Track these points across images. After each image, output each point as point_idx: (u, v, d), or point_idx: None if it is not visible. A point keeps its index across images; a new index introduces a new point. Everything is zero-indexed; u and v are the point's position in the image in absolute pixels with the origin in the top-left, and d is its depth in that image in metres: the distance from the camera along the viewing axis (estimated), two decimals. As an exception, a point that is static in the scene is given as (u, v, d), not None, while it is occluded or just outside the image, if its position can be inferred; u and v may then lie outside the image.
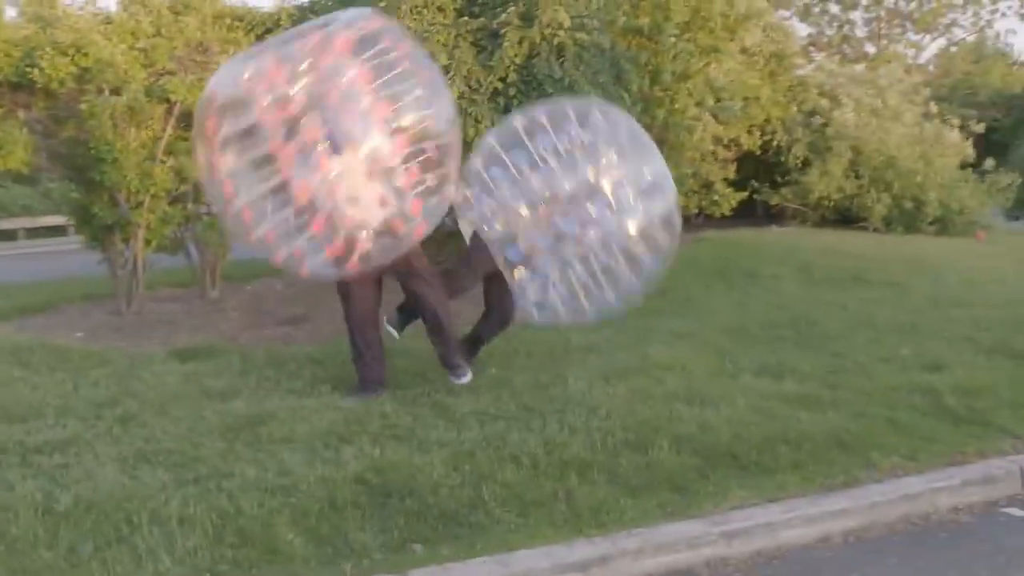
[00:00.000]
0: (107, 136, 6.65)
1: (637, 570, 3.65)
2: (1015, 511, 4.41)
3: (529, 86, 7.52)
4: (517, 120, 5.25)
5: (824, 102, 12.80)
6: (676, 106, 10.04)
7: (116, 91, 6.65)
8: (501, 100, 7.54)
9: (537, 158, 5.04)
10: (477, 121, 7.35)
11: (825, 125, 12.85)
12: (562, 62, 7.44)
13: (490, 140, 5.27)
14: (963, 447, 4.80)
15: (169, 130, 7.36)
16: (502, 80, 7.48)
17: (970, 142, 13.87)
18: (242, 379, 5.60)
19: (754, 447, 4.54)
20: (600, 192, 5.06)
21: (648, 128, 8.80)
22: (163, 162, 7.28)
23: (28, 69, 6.27)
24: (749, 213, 13.74)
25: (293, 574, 3.36)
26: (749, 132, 12.72)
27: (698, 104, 10.44)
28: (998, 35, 30.29)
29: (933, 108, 13.87)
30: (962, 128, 14.07)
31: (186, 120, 7.59)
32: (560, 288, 5.10)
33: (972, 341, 6.66)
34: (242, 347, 6.45)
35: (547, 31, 7.46)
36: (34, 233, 20.31)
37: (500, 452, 4.38)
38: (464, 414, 4.85)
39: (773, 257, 10.07)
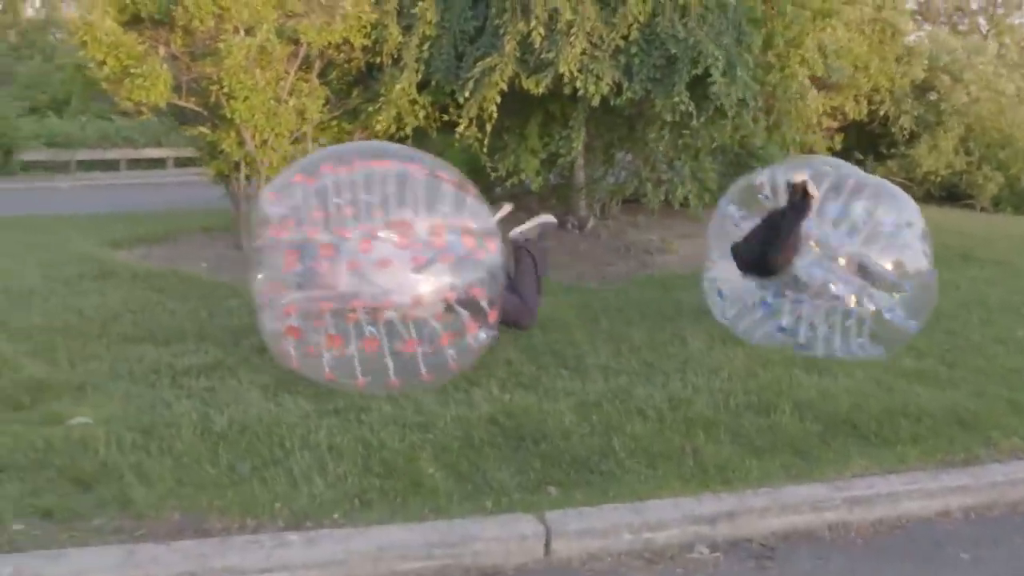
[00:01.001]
0: (239, 75, 6.87)
1: (763, 528, 3.75)
2: None
3: (651, 45, 7.50)
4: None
5: (944, 77, 12.45)
6: (787, 71, 9.88)
7: (249, 31, 6.85)
8: (622, 58, 7.54)
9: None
10: (598, 78, 7.37)
11: (940, 99, 12.52)
12: (685, 22, 7.40)
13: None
14: (1086, 434, 4.77)
15: (293, 72, 7.56)
16: (624, 38, 7.47)
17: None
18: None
19: (874, 418, 4.58)
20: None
21: (762, 95, 8.78)
22: (287, 102, 7.49)
23: (172, 7, 6.50)
24: (850, 184, 13.50)
25: (436, 506, 3.53)
26: (856, 101, 12.45)
27: (810, 70, 10.26)
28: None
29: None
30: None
31: (308, 63, 7.81)
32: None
33: (1091, 330, 6.54)
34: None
35: (672, -11, 7.42)
36: (135, 164, 21.00)
37: (626, 405, 4.51)
38: (587, 366, 4.98)
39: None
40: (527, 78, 7.64)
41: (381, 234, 4.42)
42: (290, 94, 7.61)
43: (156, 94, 6.55)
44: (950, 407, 4.80)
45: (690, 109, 7.45)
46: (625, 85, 7.54)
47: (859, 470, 4.15)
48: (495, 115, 7.88)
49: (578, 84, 7.42)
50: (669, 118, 7.63)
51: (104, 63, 6.61)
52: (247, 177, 7.68)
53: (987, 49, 13.09)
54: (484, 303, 4.44)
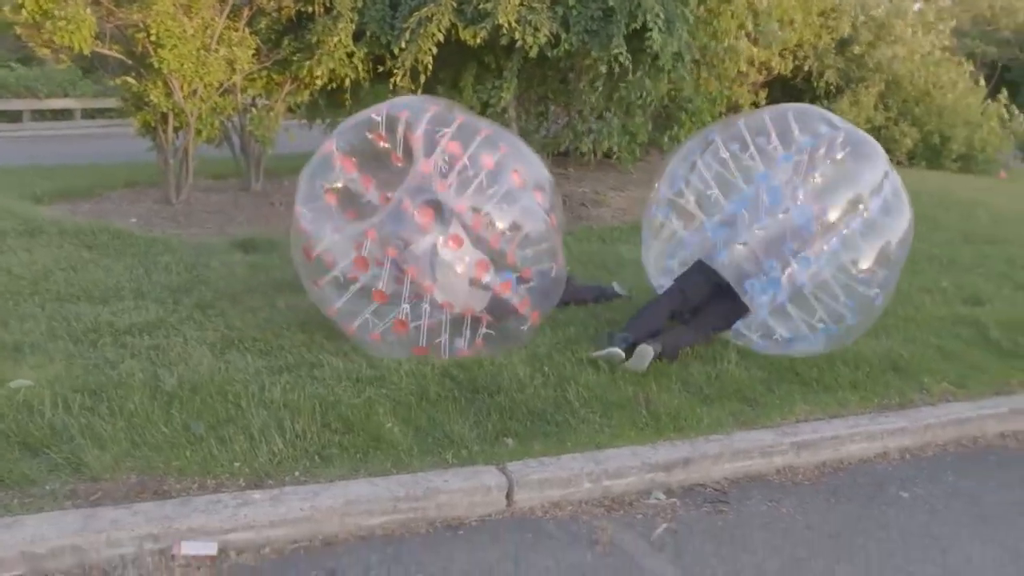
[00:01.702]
0: (167, 22, 6.59)
1: (716, 473, 3.85)
2: (1058, 439, 4.64)
3: (589, -2, 7.46)
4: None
5: (866, 33, 12.70)
6: (719, 26, 9.95)
7: (177, -24, 6.57)
8: (559, 9, 7.48)
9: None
10: (536, 29, 7.31)
11: (862, 55, 12.78)
12: (624, -26, 7.37)
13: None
14: (1008, 377, 5.02)
15: (222, 20, 7.29)
16: (563, -10, 7.41)
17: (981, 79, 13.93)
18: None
19: (814, 365, 4.73)
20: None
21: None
22: (216, 52, 7.23)
23: (94, -51, 6.19)
24: (770, 137, 13.74)
25: (397, 460, 3.53)
26: (781, 56, 12.62)
27: (740, 27, 10.34)
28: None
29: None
30: (974, 64, 14.12)
31: (236, 11, 7.54)
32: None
33: (1008, 278, 6.85)
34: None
35: (610, -58, 7.37)
36: (39, 115, 20.03)
37: (577, 356, 4.55)
38: (534, 319, 4.99)
39: (803, 183, 10.12)
40: (464, 29, 7.53)
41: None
42: (219, 43, 7.34)
43: (80, 39, 6.23)
44: (885, 354, 4.98)
45: (627, 62, 7.45)
46: (563, 36, 7.49)
47: (803, 415, 4.30)
48: (430, 66, 7.77)
49: (516, 35, 7.35)
50: (605, 70, 7.61)
51: (22, 5, 6.26)
52: (176, 129, 7.42)
53: (907, 9, 13.38)
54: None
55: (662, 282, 5.22)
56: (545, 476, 3.53)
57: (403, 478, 3.41)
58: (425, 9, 7.39)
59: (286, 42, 7.95)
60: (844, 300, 4.82)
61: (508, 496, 3.46)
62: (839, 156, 4.90)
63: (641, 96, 8.09)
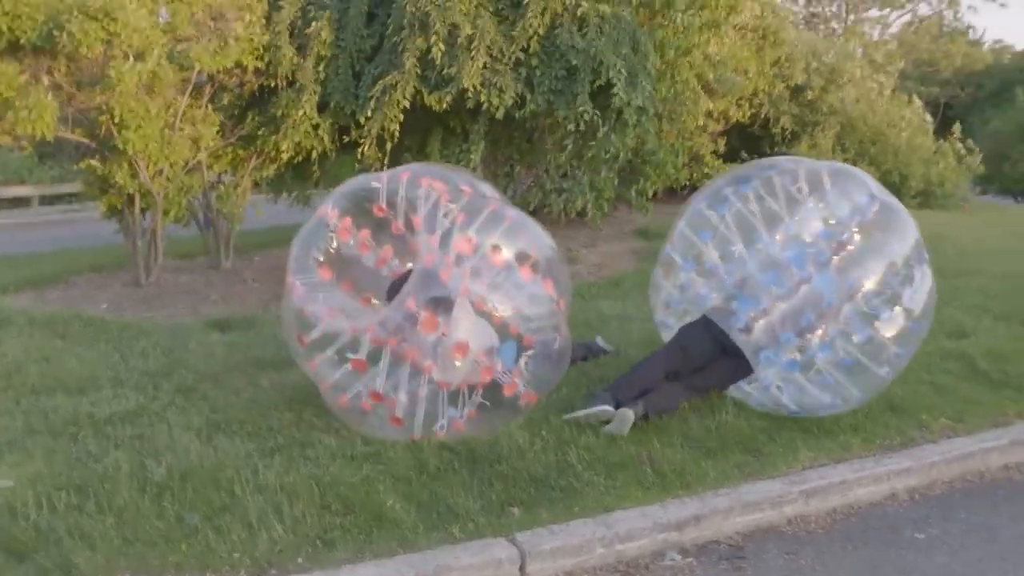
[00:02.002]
0: (130, 103, 6.52)
1: (728, 528, 3.77)
2: (1059, 468, 4.62)
3: (551, 56, 7.51)
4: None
5: (819, 79, 12.98)
6: (679, 79, 10.07)
7: (139, 57, 6.50)
8: (523, 70, 7.53)
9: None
10: (501, 91, 7.34)
11: (816, 100, 13.04)
12: (584, 33, 7.45)
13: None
14: (1004, 408, 5.01)
15: (185, 99, 7.24)
16: (524, 51, 7.46)
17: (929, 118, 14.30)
18: (287, 350, 5.53)
19: (813, 411, 4.68)
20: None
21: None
22: (181, 130, 7.17)
23: (55, 33, 6.10)
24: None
25: (402, 539, 3.40)
26: (738, 105, 12.82)
27: (698, 77, 10.49)
28: (956, 12, 30.80)
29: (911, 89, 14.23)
30: (923, 103, 14.50)
31: (198, 89, 7.49)
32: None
33: (985, 309, 6.89)
34: (276, 318, 6.40)
35: (569, 1, 7.45)
36: (-1, 203, 19.73)
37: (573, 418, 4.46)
38: (526, 382, 4.90)
39: (772, 228, 10.20)
40: (429, 94, 7.54)
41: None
42: (183, 121, 7.27)
43: (43, 126, 6.13)
44: (881, 395, 4.93)
45: (596, 118, 7.50)
46: (528, 97, 7.53)
47: (808, 462, 4.24)
48: (397, 134, 7.76)
49: (482, 98, 7.38)
50: (573, 128, 7.65)
51: (-17, 96, 6.16)
52: (142, 210, 7.31)
53: (854, 53, 13.71)
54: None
55: (663, 319, 5.17)
56: (557, 545, 3.42)
57: (411, 558, 3.28)
58: (389, 77, 7.40)
59: (250, 117, 7.91)
60: (854, 381, 4.58)
61: (521, 569, 3.35)
62: (870, 226, 4.67)
63: (608, 152, 8.13)
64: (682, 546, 3.64)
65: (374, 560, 3.25)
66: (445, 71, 7.34)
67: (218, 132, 7.55)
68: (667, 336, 5.05)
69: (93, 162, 6.95)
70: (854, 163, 13.16)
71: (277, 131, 7.66)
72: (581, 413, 4.38)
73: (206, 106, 7.55)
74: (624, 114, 7.66)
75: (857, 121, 12.98)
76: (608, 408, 4.35)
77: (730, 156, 13.16)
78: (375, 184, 4.50)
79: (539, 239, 4.48)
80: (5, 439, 4.09)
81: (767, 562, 3.56)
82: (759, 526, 3.83)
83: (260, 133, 7.86)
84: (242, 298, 7.16)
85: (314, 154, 7.96)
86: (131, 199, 7.11)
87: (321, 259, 4.54)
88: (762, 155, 13.51)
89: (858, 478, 4.15)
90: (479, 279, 4.24)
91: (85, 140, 6.99)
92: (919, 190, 13.09)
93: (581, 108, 7.41)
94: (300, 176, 9.13)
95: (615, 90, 7.39)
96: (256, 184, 8.62)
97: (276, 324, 6.13)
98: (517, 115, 7.60)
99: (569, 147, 8.08)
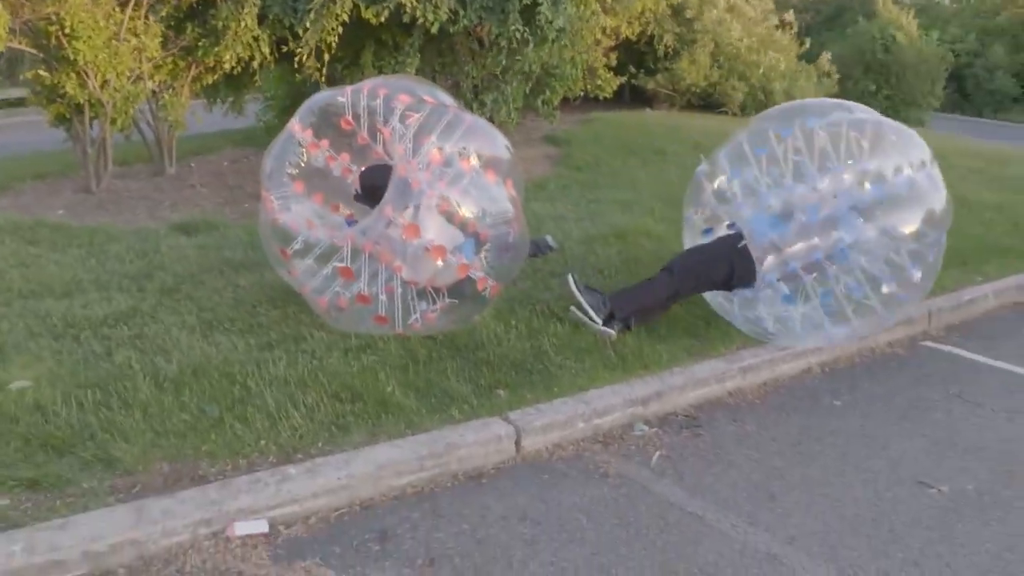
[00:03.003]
0: (80, 14, 5.95)
1: (683, 402, 3.93)
2: (929, 343, 4.97)
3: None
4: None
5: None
6: (583, -1, 9.88)
7: (85, -33, 5.91)
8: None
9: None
10: (436, 7, 7.05)
11: (693, 19, 13.07)
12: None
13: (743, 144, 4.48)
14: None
15: (129, 10, 6.66)
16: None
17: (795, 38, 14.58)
18: (256, 252, 5.35)
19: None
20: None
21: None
22: (127, 41, 6.62)
23: (2, -58, 5.47)
24: (618, 97, 13.91)
25: (409, 422, 3.39)
26: (629, 23, 12.73)
27: (600, -2, 10.33)
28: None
29: (778, 14, 14.42)
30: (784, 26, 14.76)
31: (139, 3, 6.90)
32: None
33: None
34: (235, 221, 6.14)
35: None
36: None
37: (537, 308, 4.50)
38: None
39: (665, 135, 10.33)
40: (367, 8, 7.17)
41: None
42: (127, 32, 6.70)
43: (-7, 36, 5.55)
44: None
45: (526, 36, 7.32)
46: (461, 13, 7.26)
47: (741, 344, 4.41)
48: (334, 46, 7.39)
49: (417, 13, 7.07)
50: (505, 44, 7.45)
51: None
52: (91, 119, 6.77)
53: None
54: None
55: (691, 215, 4.81)
56: (546, 422, 3.49)
57: (421, 438, 3.29)
58: (329, -9, 6.99)
59: (189, 28, 7.35)
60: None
61: (517, 444, 3.41)
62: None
63: (529, 67, 7.96)
64: (647, 418, 3.77)
65: (388, 441, 3.24)
66: (383, -14, 6.98)
67: (161, 43, 7.00)
68: (688, 232, 4.81)
69: (41, 72, 6.35)
70: (726, 78, 13.39)
71: (218, 42, 7.16)
72: (579, 315, 4.25)
73: (145, 17, 6.96)
74: (545, 32, 7.51)
75: (725, 40, 13.10)
76: (597, 325, 4.24)
77: (619, 70, 13.13)
78: (340, 98, 4.29)
79: (497, 140, 4.39)
80: (8, 342, 3.83)
81: (719, 429, 3.73)
82: (707, 399, 4.01)
83: (201, 44, 7.32)
84: (194, 203, 6.80)
85: (254, 64, 7.51)
86: (80, 108, 6.56)
87: (294, 173, 4.35)
88: (647, 70, 13.57)
89: (783, 356, 4.37)
90: (447, 183, 4.14)
91: (32, 51, 6.36)
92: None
93: (513, 27, 7.21)
94: (235, 85, 8.63)
95: (540, 9, 7.21)
96: (196, 94, 8.08)
97: (239, 228, 5.91)
98: (451, 30, 7.33)
99: (503, 61, 7.87)
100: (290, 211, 4.23)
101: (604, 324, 4.24)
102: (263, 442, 3.16)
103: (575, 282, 4.34)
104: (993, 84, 27.44)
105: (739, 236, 4.34)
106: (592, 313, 4.25)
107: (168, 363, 3.64)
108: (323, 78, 7.68)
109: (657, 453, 3.47)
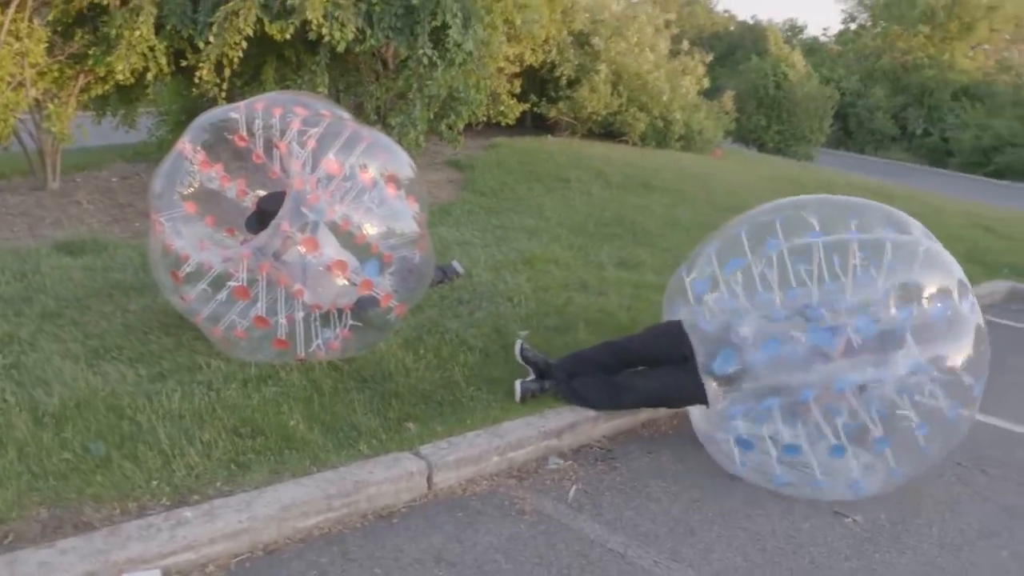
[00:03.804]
0: (-46, 15, 5.54)
1: (596, 433, 3.89)
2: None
3: (390, -5, 7.13)
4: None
5: (602, 30, 13.26)
6: (490, 23, 9.90)
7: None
8: (364, 6, 7.10)
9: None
10: (343, 25, 6.90)
11: (595, 50, 13.28)
12: (422, -25, 7.10)
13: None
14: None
15: (10, 11, 6.24)
16: (365, -13, 7.02)
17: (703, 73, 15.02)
18: (147, 275, 5.01)
19: (643, 326, 4.84)
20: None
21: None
22: (8, 45, 6.19)
23: None
24: (520, 124, 13.99)
25: (315, 458, 3.22)
26: (533, 50, 12.84)
27: (507, 21, 10.36)
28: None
29: (685, 45, 14.83)
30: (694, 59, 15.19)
31: (21, 3, 6.48)
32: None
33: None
34: (125, 241, 5.78)
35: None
36: None
37: (445, 337, 4.38)
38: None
39: (568, 163, 10.40)
40: (271, 24, 6.95)
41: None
42: (8, 36, 6.27)
43: None
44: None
45: (435, 59, 7.24)
46: (368, 33, 7.12)
47: (650, 373, 4.39)
48: (236, 61, 7.12)
49: (324, 31, 6.90)
50: (415, 65, 7.34)
51: None
52: (-35, 128, 6.29)
53: (639, 16, 13.95)
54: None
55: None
56: (459, 456, 3.37)
57: (328, 475, 3.11)
58: (232, 3, 6.73)
59: (79, 35, 6.95)
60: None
61: (429, 480, 3.28)
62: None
63: (436, 90, 7.89)
64: (561, 451, 3.71)
65: (292, 480, 3.05)
66: (288, 2, 6.78)
67: (47, 49, 6.58)
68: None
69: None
70: (627, 108, 13.63)
71: (110, 51, 6.79)
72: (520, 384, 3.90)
73: (30, 19, 6.53)
74: (453, 55, 7.46)
75: (625, 70, 13.37)
76: (533, 386, 3.92)
77: (522, 97, 13.22)
78: (233, 114, 4.08)
79: (399, 157, 4.27)
80: None
81: (634, 461, 3.70)
82: (621, 430, 3.97)
83: (92, 52, 6.93)
84: (80, 220, 6.37)
85: (148, 76, 7.15)
86: (-47, 115, 6.10)
87: (185, 193, 4.10)
88: (549, 98, 13.69)
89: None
90: (346, 200, 3.99)
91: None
92: (681, 135, 13.76)
93: (422, 50, 7.13)
94: (127, 98, 8.20)
95: (449, 32, 7.15)
96: (85, 106, 7.64)
97: (129, 248, 5.57)
98: (358, 49, 7.18)
99: (414, 84, 7.75)
100: (181, 234, 3.98)
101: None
102: (155, 483, 2.92)
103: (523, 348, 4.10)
104: (873, 124, 29.14)
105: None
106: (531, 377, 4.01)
107: (48, 396, 3.35)
108: (223, 93, 7.38)
109: (574, 487, 3.40)
